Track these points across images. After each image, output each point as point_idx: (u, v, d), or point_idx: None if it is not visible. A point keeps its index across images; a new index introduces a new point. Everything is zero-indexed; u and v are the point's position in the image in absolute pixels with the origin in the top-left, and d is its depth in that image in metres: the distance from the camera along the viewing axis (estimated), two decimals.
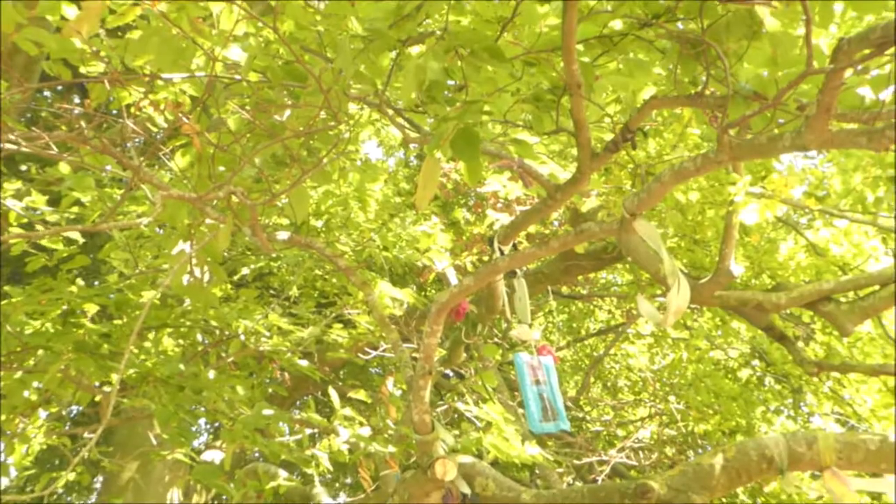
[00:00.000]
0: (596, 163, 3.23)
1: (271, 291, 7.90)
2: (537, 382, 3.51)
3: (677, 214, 6.76)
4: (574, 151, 4.90)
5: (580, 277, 9.44)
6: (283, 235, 3.53)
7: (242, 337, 5.12)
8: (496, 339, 6.53)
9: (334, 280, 7.16)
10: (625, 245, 6.95)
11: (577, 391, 9.73)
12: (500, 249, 3.82)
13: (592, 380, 10.44)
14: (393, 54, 3.33)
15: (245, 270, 6.97)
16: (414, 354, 3.57)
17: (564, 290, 9.44)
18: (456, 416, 5.25)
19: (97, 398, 5.09)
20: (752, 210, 6.46)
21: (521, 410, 4.46)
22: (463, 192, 8.30)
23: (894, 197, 7.49)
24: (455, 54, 2.66)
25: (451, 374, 9.16)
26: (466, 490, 3.31)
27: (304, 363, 4.95)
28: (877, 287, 6.65)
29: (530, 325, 3.70)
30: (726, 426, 8.67)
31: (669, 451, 8.95)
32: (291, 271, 7.26)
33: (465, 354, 5.68)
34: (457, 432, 4.20)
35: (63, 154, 2.96)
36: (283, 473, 5.95)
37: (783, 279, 7.63)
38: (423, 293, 7.63)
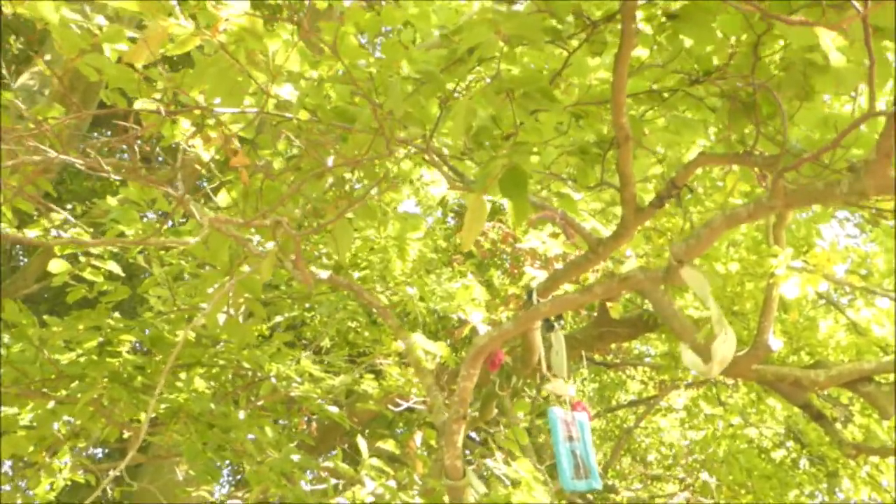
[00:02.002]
0: (640, 218, 3.21)
1: (303, 341, 7.89)
2: (570, 439, 3.44)
3: (717, 279, 6.70)
4: (616, 211, 4.89)
5: (613, 346, 9.34)
6: (323, 274, 3.54)
7: (274, 380, 5.11)
8: (527, 396, 6.45)
9: (367, 333, 7.15)
10: (661, 312, 6.90)
11: (606, 462, 9.56)
12: (538, 302, 3.79)
13: (622, 452, 10.25)
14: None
15: (278, 318, 6.98)
16: (446, 401, 3.52)
17: (597, 357, 9.34)
18: (484, 473, 5.17)
19: (126, 435, 5.08)
20: (794, 284, 6.37)
21: (540, 473, 4.38)
22: (499, 252, 8.31)
23: None
24: (507, 96, 2.68)
25: (476, 437, 9.04)
26: None
27: (334, 409, 4.92)
28: None
29: (566, 380, 3.65)
30: None
31: None
32: (324, 322, 7.25)
33: (496, 410, 5.62)
34: (484, 490, 4.12)
35: (110, 174, 3.00)
36: None
37: (822, 357, 7.49)
38: (455, 352, 7.58)
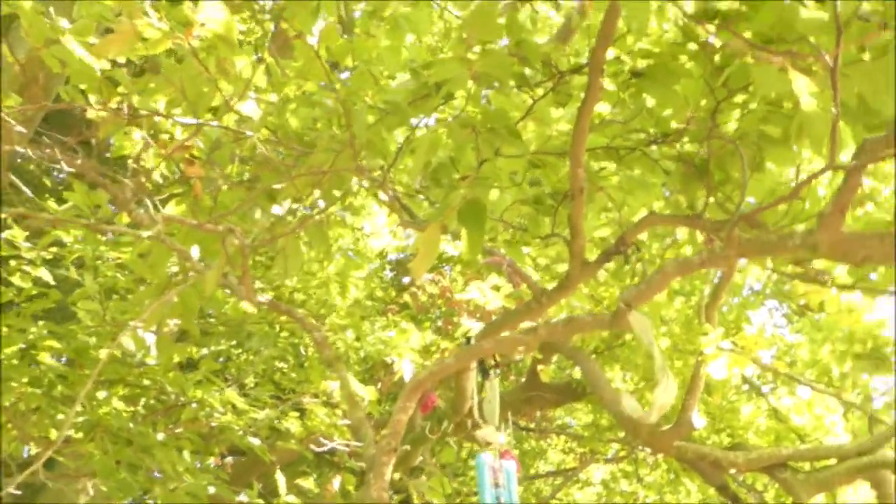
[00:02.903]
0: (586, 272, 3.26)
1: (227, 377, 7.73)
2: (497, 486, 3.43)
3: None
4: (560, 268, 4.95)
5: (538, 413, 9.35)
6: (264, 298, 3.50)
7: (195, 405, 4.99)
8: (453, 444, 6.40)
9: (293, 374, 7.04)
10: (590, 380, 6.96)
11: None
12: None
13: None
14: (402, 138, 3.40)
15: (205, 351, 6.82)
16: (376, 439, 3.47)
17: (522, 422, 9.32)
18: None
19: (33, 451, 4.89)
20: (721, 364, 6.48)
21: None
22: (434, 306, 8.31)
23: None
24: (472, 131, 2.72)
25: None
26: None
27: (255, 441, 4.81)
28: (834, 461, 6.64)
29: (498, 428, 3.64)
30: None
31: None
32: (251, 361, 7.13)
33: (420, 457, 5.55)
34: None
35: (63, 165, 2.94)
36: None
37: (742, 440, 7.61)
38: (380, 403, 7.50)
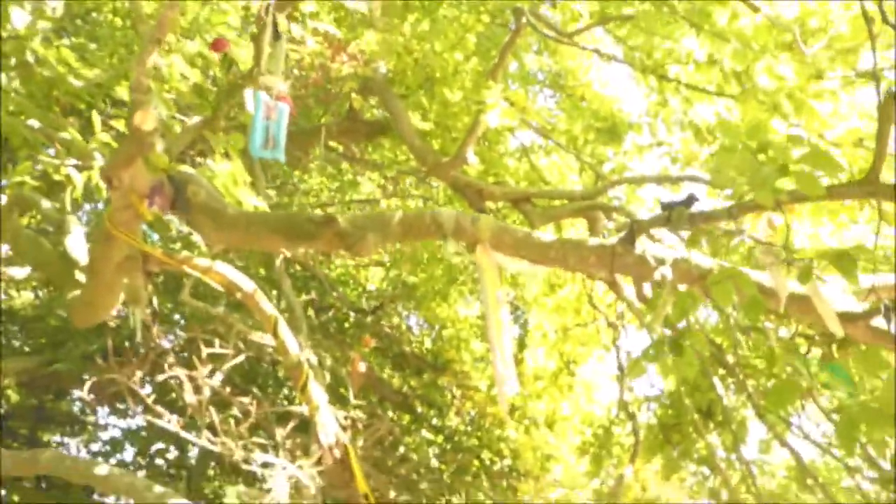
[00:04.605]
0: None
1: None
2: (268, 118, 3.08)
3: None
4: None
5: (353, 147, 9.00)
6: None
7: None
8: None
9: None
10: (394, 117, 6.65)
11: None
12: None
13: None
14: None
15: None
16: None
17: (341, 149, 8.93)
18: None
19: None
20: (496, 114, 6.36)
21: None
22: None
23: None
24: None
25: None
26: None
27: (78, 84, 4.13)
28: (565, 201, 6.77)
29: (280, 78, 3.24)
30: (432, 287, 8.72)
31: None
32: None
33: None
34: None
35: None
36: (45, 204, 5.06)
37: (504, 182, 7.65)
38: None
